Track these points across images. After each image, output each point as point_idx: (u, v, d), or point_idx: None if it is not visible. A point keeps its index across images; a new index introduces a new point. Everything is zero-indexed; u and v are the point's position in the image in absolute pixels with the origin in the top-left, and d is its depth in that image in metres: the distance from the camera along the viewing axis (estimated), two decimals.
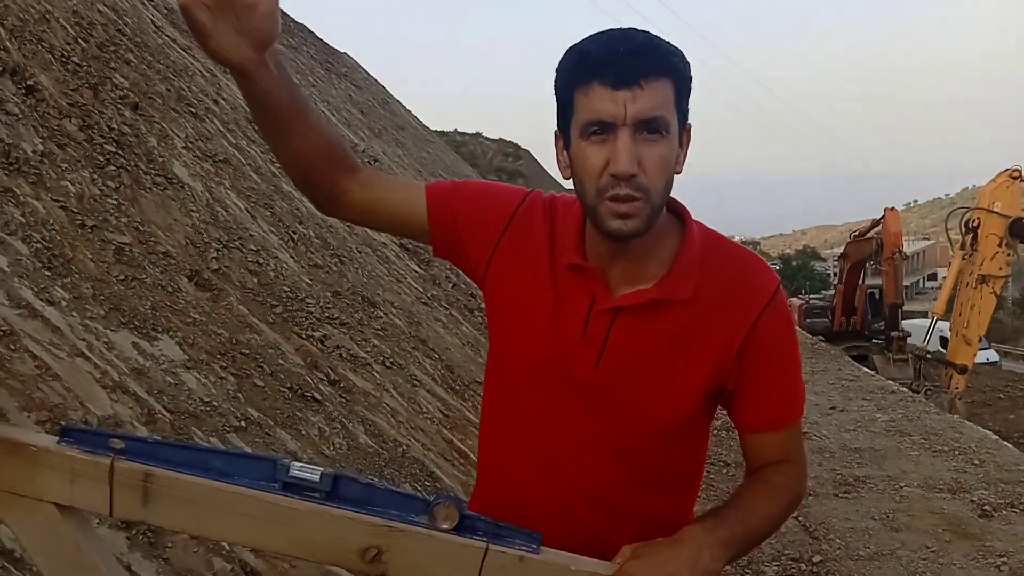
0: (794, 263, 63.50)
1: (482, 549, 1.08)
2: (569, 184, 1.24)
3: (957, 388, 12.36)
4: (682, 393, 1.25)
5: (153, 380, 2.75)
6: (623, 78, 1.10)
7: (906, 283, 24.00)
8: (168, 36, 6.07)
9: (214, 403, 2.89)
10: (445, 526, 1.08)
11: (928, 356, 13.25)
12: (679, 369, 1.24)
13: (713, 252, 1.26)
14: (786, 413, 1.30)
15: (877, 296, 21.64)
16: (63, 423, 1.21)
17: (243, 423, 2.93)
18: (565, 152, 1.21)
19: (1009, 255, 12.47)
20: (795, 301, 28.61)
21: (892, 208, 18.79)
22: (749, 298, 1.24)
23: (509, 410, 1.33)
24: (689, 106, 1.18)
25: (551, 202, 1.34)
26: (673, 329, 1.24)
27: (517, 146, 52.77)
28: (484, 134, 55.48)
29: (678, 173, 1.19)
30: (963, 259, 12.89)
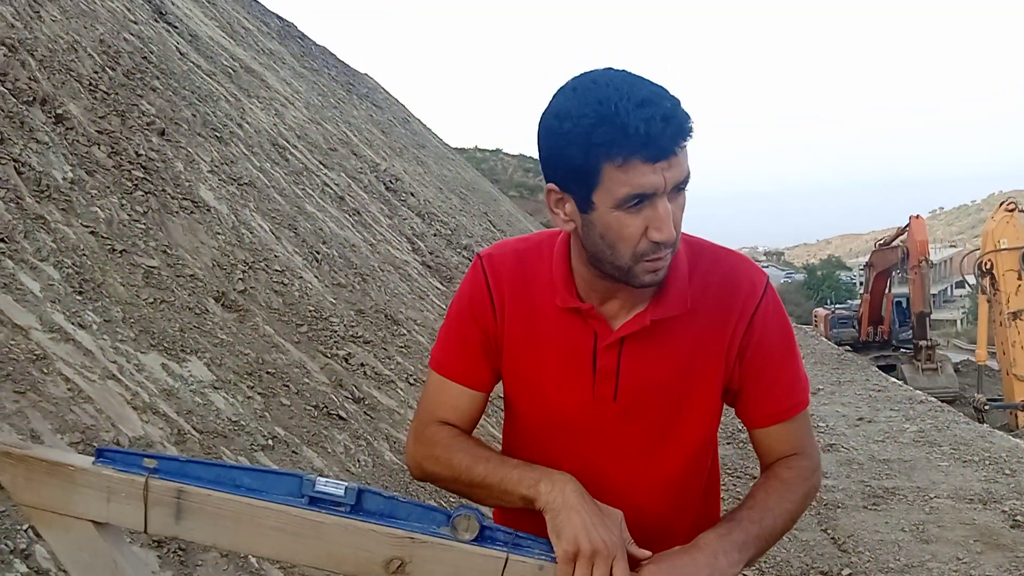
0: (819, 273, 62.96)
1: (503, 559, 1.11)
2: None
3: None
4: (702, 404, 1.29)
5: (182, 401, 2.80)
6: (662, 151, 1.10)
7: (933, 291, 23.74)
8: (193, 62, 6.19)
9: (242, 422, 2.93)
10: (466, 537, 1.11)
11: (987, 407, 13.15)
12: (694, 382, 1.28)
13: (699, 259, 1.30)
14: (791, 404, 1.32)
15: (904, 305, 21.44)
16: (96, 445, 1.24)
17: (270, 442, 2.97)
18: (568, 208, 1.19)
19: None
20: (821, 311, 28.38)
21: (917, 216, 18.66)
22: (742, 299, 1.28)
23: (534, 451, 1.33)
24: None
25: (517, 255, 1.34)
26: (679, 344, 1.27)
27: (537, 161, 52.91)
28: (504, 150, 55.70)
29: None
30: (988, 303, 12.90)
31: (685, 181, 1.14)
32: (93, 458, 1.16)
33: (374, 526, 1.12)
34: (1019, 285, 12.39)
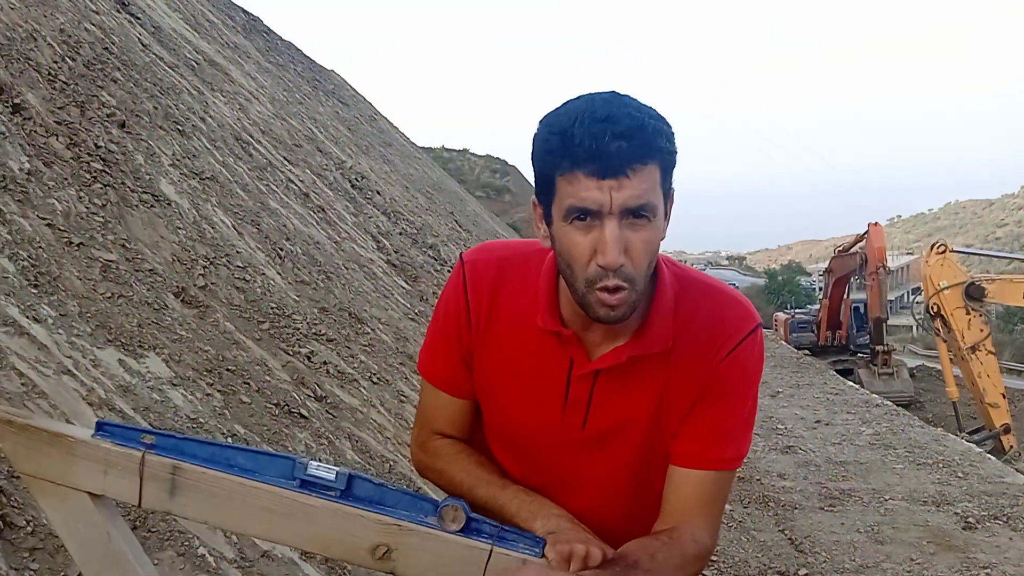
0: (780, 278, 63.73)
1: (487, 551, 1.13)
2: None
3: (1012, 447, 12.73)
4: (666, 439, 1.27)
5: (139, 397, 2.75)
6: (609, 168, 1.06)
7: (890, 297, 24.17)
8: (155, 54, 6.09)
9: (200, 420, 2.89)
10: (452, 527, 1.13)
11: (976, 441, 13.56)
12: (664, 420, 1.26)
13: (686, 295, 1.24)
14: (716, 456, 1.25)
15: (862, 310, 21.80)
16: (97, 419, 1.27)
17: (230, 440, 2.93)
18: (545, 225, 1.18)
19: (981, 316, 12.96)
20: (781, 316, 28.74)
21: (876, 223, 18.99)
22: (721, 340, 1.23)
23: (504, 453, 1.36)
24: (673, 180, 1.15)
25: (501, 264, 1.30)
26: (654, 381, 1.24)
27: (504, 162, 52.95)
28: (471, 150, 55.69)
29: (662, 239, 1.16)
30: (944, 341, 13.37)
31: (643, 209, 1.09)
32: (92, 431, 1.18)
33: (362, 512, 1.13)
34: (969, 320, 12.92)
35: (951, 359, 13.71)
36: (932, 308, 13.21)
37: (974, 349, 12.79)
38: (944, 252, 13.26)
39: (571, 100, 1.13)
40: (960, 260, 13.77)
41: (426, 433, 1.37)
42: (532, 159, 1.15)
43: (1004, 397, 13.26)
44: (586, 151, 1.06)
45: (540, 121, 1.15)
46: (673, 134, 1.12)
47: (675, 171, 1.15)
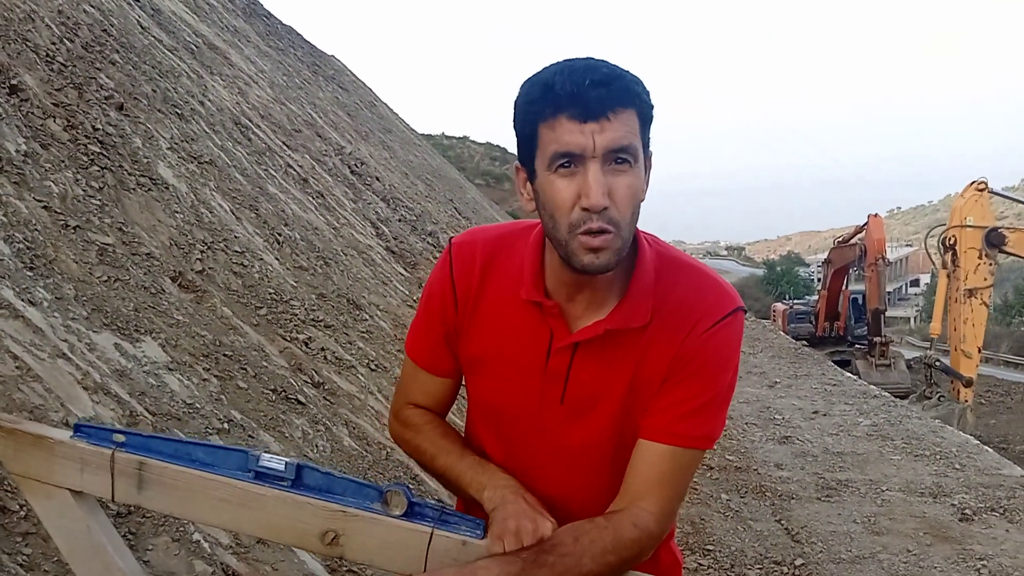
0: (778, 268, 63.80)
1: (428, 534, 1.18)
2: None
3: (966, 400, 12.59)
4: (640, 414, 1.27)
5: (135, 382, 2.74)
6: (590, 110, 1.10)
7: (889, 289, 24.18)
8: (154, 37, 6.05)
9: (197, 405, 2.88)
10: (396, 512, 1.18)
11: (938, 364, 13.42)
12: (639, 393, 1.26)
13: (666, 273, 1.25)
14: (681, 432, 1.23)
15: (860, 301, 21.80)
16: (76, 422, 1.37)
17: (226, 425, 2.92)
18: (529, 185, 1.20)
19: (990, 265, 12.73)
20: (779, 306, 28.77)
21: (876, 215, 18.96)
22: (696, 318, 1.23)
23: (488, 430, 1.39)
24: (650, 136, 1.18)
25: (488, 244, 1.32)
26: (631, 355, 1.25)
27: (504, 150, 52.83)
28: (471, 138, 55.58)
29: (644, 191, 1.18)
30: (948, 277, 13.14)
31: (624, 151, 1.11)
32: (71, 432, 1.28)
33: (310, 500, 1.20)
34: (978, 264, 12.65)
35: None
36: (949, 240, 12.97)
37: (971, 293, 12.59)
38: (983, 190, 12.97)
39: (547, 66, 1.18)
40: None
41: (401, 403, 1.44)
42: (514, 121, 1.19)
43: (979, 351, 13.12)
44: (568, 95, 1.10)
45: (521, 85, 1.19)
46: (650, 93, 1.17)
47: (651, 127, 1.17)
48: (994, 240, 12.56)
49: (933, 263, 13.70)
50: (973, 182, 13.24)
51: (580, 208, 1.12)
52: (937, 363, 13.47)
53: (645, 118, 1.15)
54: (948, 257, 13.03)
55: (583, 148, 1.10)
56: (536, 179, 1.17)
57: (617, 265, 1.17)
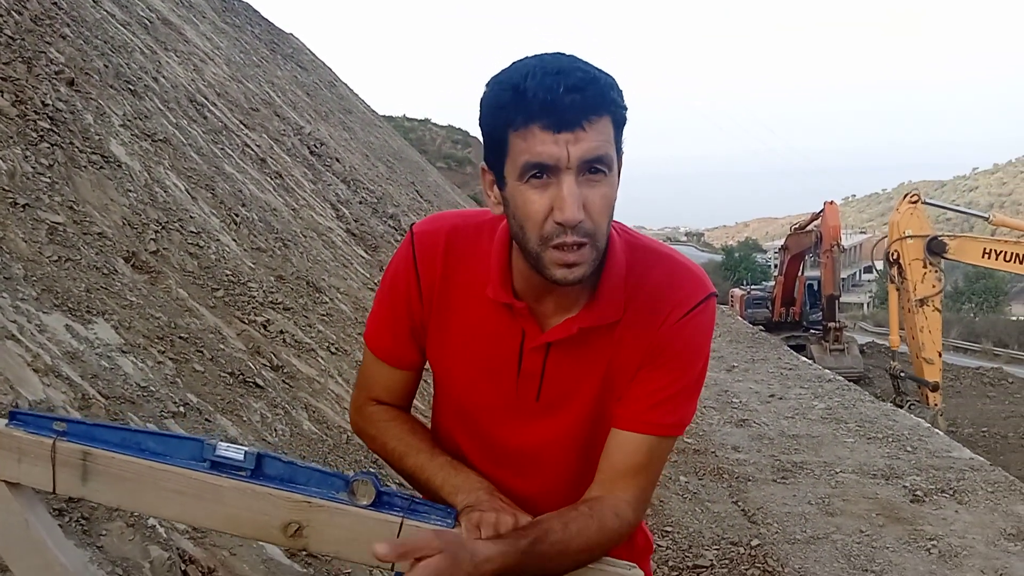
0: (736, 255, 64.54)
1: (397, 523, 1.13)
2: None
3: (936, 405, 12.96)
4: (614, 402, 1.26)
5: (87, 364, 2.66)
6: (565, 120, 1.04)
7: (843, 275, 24.59)
8: (106, 11, 5.88)
9: (151, 388, 2.81)
10: (363, 502, 1.13)
11: (903, 375, 13.77)
12: (612, 384, 1.25)
13: (637, 263, 1.23)
14: (656, 420, 1.23)
15: (815, 287, 22.13)
16: (12, 408, 1.31)
17: (182, 409, 2.86)
18: (497, 189, 1.15)
19: (936, 272, 13.14)
20: (737, 292, 29.13)
21: (831, 202, 19.22)
22: (669, 307, 1.21)
23: (458, 425, 1.35)
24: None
25: (452, 233, 1.27)
26: (605, 350, 1.23)
27: (467, 133, 52.60)
28: (433, 120, 55.24)
29: (616, 197, 1.14)
30: (896, 291, 13.52)
31: (599, 162, 1.07)
32: (6, 421, 1.19)
33: (272, 490, 1.14)
34: (924, 273, 13.03)
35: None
36: (892, 255, 13.32)
37: (922, 303, 12.94)
38: (916, 202, 13.33)
39: (518, 60, 1.11)
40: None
41: (363, 398, 1.38)
42: (480, 122, 1.12)
43: (939, 356, 13.50)
44: (540, 104, 1.04)
45: (488, 83, 1.12)
46: (623, 94, 1.11)
47: (625, 130, 1.13)
48: (935, 248, 13.00)
49: (880, 275, 14.08)
50: (906, 195, 13.74)
51: (553, 221, 1.07)
52: (902, 374, 13.81)
53: (619, 122, 1.10)
54: (894, 271, 13.42)
55: (557, 159, 1.05)
56: (505, 187, 1.12)
57: (589, 275, 1.13)
